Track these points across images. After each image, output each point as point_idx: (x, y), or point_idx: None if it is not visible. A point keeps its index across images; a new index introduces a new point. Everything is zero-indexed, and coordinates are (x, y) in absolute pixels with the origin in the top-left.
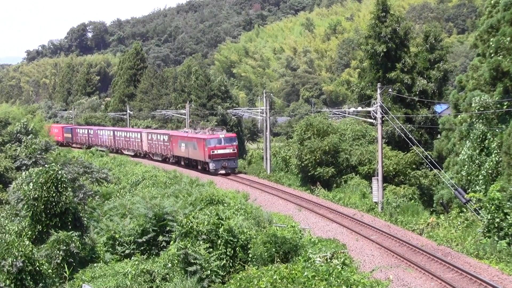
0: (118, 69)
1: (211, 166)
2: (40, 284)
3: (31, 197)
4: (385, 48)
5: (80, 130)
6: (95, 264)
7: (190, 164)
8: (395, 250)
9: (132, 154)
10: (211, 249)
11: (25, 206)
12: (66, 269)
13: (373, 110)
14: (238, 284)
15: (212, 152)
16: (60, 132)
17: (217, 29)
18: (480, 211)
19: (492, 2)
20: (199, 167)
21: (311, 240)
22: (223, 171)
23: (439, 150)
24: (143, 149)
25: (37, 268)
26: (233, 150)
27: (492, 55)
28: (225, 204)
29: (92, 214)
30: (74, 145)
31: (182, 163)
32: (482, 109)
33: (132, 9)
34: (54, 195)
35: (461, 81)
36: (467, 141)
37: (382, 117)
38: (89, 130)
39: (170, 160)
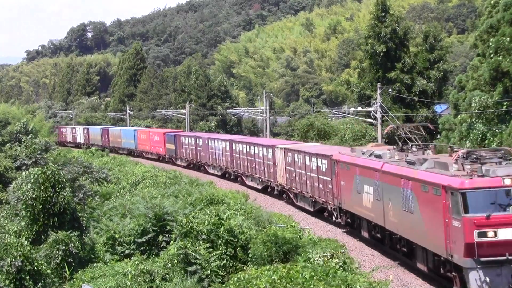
0: (118, 69)
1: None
2: (40, 284)
3: (29, 197)
4: (384, 48)
5: (186, 139)
6: (94, 264)
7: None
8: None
9: (260, 187)
10: (211, 249)
11: (24, 206)
12: (66, 269)
13: (373, 110)
14: (237, 284)
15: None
16: (161, 141)
17: (217, 29)
18: None
19: (492, 2)
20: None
21: (311, 240)
22: None
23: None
24: (276, 180)
25: (36, 268)
26: None
27: (492, 55)
28: (225, 204)
29: (92, 214)
30: (178, 162)
31: (368, 234)
32: (482, 109)
33: (132, 9)
34: (52, 195)
35: (461, 81)
36: (467, 141)
37: (382, 117)
38: (197, 140)
39: (337, 218)
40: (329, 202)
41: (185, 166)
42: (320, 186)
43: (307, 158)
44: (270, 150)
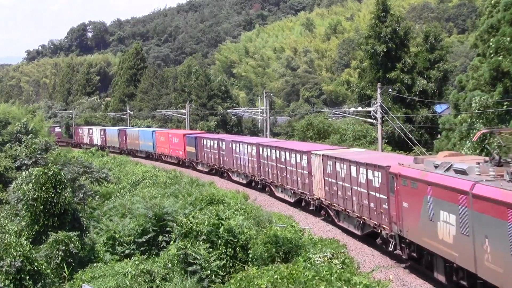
0: (118, 69)
1: None
2: (39, 284)
3: (31, 197)
4: (385, 48)
5: (208, 141)
6: (94, 264)
7: None
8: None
9: (292, 200)
10: (211, 249)
11: (25, 206)
12: (66, 269)
13: (373, 110)
14: (238, 284)
15: None
16: (181, 143)
17: (217, 29)
18: None
19: (492, 2)
20: None
21: (311, 240)
22: None
23: (439, 150)
24: (312, 193)
25: (36, 268)
26: None
27: (492, 55)
28: (225, 204)
29: (92, 214)
30: (199, 167)
31: (446, 277)
32: (482, 109)
33: (132, 9)
34: (52, 195)
35: (461, 81)
36: (467, 141)
37: (382, 117)
38: (220, 143)
39: (396, 249)
40: (384, 226)
41: (207, 172)
42: (371, 205)
43: (353, 168)
44: (304, 157)
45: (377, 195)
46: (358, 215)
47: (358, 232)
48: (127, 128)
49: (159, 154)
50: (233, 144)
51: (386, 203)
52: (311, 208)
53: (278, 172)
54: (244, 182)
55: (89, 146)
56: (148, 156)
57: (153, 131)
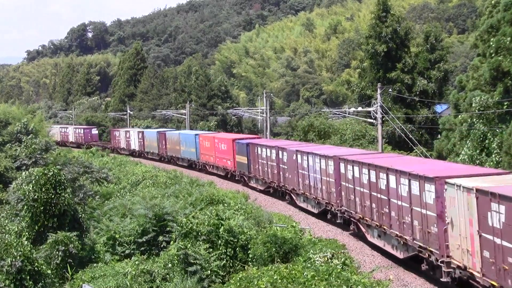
0: (118, 69)
1: None
2: (40, 284)
3: (31, 198)
4: (385, 48)
5: (264, 150)
6: (95, 264)
7: None
8: None
9: (316, 211)
10: (211, 249)
11: (25, 207)
12: (66, 270)
13: (373, 110)
14: (238, 284)
15: None
16: (230, 150)
17: (217, 29)
18: None
19: (493, 2)
20: None
21: (311, 240)
22: None
23: (439, 150)
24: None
25: (37, 268)
26: None
27: (493, 55)
28: (225, 204)
29: (92, 214)
30: (252, 184)
31: None
32: (482, 109)
33: (132, 9)
34: (52, 196)
35: (461, 81)
36: (468, 141)
37: (382, 117)
38: (280, 152)
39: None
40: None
41: (262, 190)
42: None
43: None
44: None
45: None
46: (398, 234)
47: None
48: (167, 131)
49: (203, 163)
50: (298, 156)
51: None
52: (338, 221)
53: (376, 205)
54: (315, 211)
55: (127, 151)
56: (191, 165)
57: (196, 134)
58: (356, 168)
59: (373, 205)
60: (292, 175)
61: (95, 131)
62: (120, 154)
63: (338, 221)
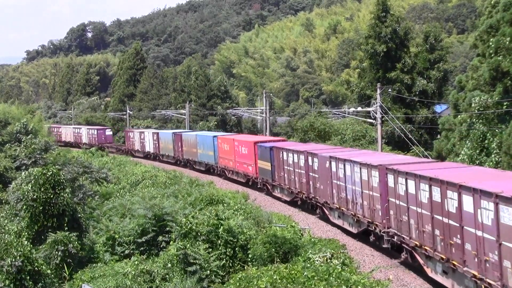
0: (118, 69)
1: None
2: (40, 284)
3: (30, 198)
4: (385, 48)
5: (290, 155)
6: (94, 264)
7: None
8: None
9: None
10: (211, 249)
11: (24, 207)
12: (66, 270)
13: (373, 110)
14: (237, 284)
15: None
16: (251, 154)
17: (217, 29)
18: None
19: (492, 2)
20: None
21: (311, 240)
22: None
23: (439, 150)
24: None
25: (36, 268)
26: None
27: (492, 55)
28: (225, 204)
29: (92, 214)
30: (277, 193)
31: None
32: (482, 109)
33: (132, 9)
34: (52, 196)
35: (461, 81)
36: (467, 141)
37: (382, 117)
38: (309, 158)
39: None
40: None
41: (288, 201)
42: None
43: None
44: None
45: None
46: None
47: None
48: (183, 132)
49: (222, 167)
50: (333, 163)
51: None
52: (384, 245)
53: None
54: (354, 230)
55: (141, 153)
56: (208, 169)
57: (214, 136)
58: (411, 182)
59: (436, 231)
60: (324, 185)
61: (109, 132)
62: (135, 156)
63: (385, 245)
